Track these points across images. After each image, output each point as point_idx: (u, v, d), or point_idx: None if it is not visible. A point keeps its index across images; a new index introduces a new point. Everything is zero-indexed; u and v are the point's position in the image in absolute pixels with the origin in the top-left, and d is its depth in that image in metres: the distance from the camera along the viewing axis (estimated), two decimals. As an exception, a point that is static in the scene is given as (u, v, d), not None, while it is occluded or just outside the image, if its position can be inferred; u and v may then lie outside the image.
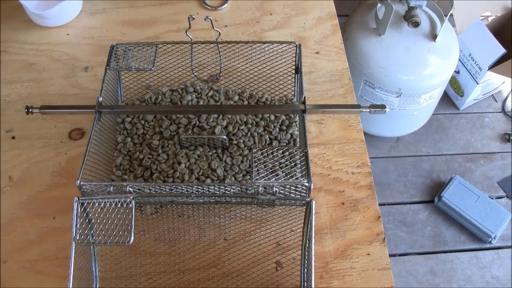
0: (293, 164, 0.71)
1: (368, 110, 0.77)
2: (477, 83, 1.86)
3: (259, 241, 0.79)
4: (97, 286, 0.75)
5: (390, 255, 0.80)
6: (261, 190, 0.68)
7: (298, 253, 0.77)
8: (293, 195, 0.69)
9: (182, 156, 0.81)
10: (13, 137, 0.90)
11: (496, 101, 2.08)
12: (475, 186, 1.82)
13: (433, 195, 1.85)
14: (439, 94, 1.67)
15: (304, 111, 0.77)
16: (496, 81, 1.95)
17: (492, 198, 1.81)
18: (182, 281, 0.76)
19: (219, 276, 0.77)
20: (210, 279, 0.76)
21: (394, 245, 1.74)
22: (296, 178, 0.68)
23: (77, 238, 0.66)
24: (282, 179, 0.67)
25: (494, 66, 1.76)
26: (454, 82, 1.99)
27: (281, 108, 0.83)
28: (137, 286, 0.76)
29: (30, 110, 0.78)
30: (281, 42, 0.87)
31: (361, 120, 0.92)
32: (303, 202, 0.68)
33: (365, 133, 0.92)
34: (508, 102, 2.07)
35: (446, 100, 2.07)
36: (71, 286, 0.65)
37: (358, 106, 0.78)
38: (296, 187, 0.68)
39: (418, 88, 1.56)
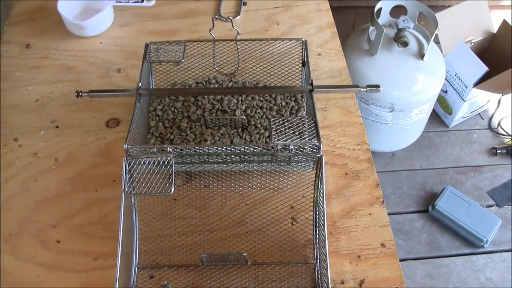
0: (304, 130, 0.84)
1: (365, 89, 0.92)
2: (464, 100, 2.01)
3: (276, 205, 0.92)
4: (138, 244, 0.87)
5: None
6: (279, 148, 0.81)
7: (310, 214, 0.89)
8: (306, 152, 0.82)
9: (208, 135, 0.94)
10: (57, 127, 1.03)
11: (482, 118, 2.23)
12: (466, 196, 1.94)
13: (427, 205, 1.97)
14: (429, 109, 1.81)
15: (311, 90, 0.91)
16: (481, 100, 2.11)
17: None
18: (210, 236, 0.88)
19: (242, 233, 0.89)
20: (235, 235, 0.89)
21: (393, 250, 1.84)
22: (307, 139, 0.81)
23: (126, 189, 0.78)
24: (296, 140, 0.81)
25: (478, 84, 1.92)
26: (443, 101, 2.15)
27: (292, 89, 0.97)
28: (171, 242, 0.88)
29: (80, 94, 0.92)
30: (290, 39, 1.02)
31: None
32: (315, 157, 0.81)
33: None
34: (494, 119, 2.22)
35: (436, 118, 2.22)
36: (121, 235, 0.77)
37: (356, 86, 0.92)
38: (308, 146, 0.81)
39: (409, 103, 1.70)
